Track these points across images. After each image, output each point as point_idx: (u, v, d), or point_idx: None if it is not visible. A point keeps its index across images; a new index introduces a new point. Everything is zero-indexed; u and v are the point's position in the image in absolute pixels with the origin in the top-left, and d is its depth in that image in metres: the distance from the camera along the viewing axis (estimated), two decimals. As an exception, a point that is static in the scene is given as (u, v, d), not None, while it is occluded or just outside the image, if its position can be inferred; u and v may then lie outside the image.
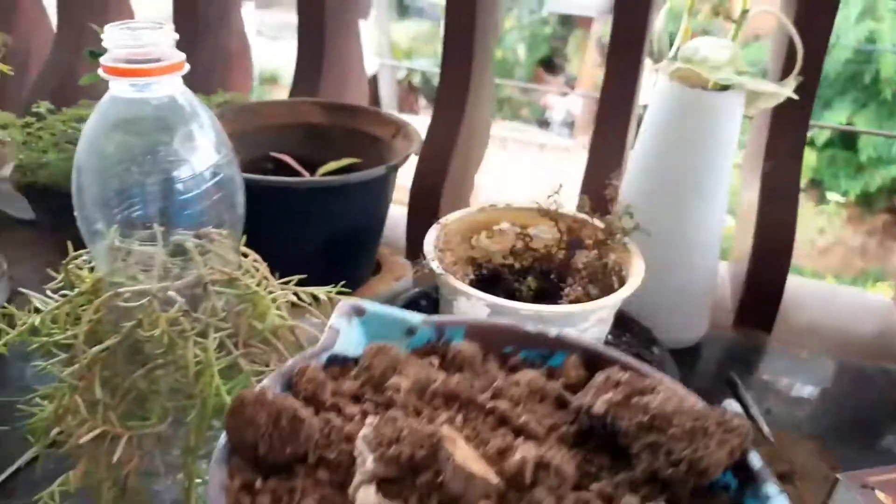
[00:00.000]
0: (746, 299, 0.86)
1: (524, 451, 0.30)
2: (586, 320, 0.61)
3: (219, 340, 0.51)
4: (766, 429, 0.72)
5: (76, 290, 0.52)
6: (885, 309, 0.92)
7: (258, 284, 0.54)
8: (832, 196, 3.75)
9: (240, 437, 0.32)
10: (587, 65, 6.07)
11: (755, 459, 0.33)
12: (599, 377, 0.35)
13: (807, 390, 0.79)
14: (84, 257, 0.56)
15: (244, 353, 0.52)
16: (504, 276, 0.73)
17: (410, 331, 0.40)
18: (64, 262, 0.56)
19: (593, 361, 0.38)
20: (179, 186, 0.51)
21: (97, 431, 0.48)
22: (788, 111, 0.81)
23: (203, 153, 0.51)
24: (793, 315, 0.90)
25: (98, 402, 0.49)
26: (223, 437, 0.33)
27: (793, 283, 0.88)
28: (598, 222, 0.71)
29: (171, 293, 0.51)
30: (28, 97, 1.04)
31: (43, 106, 0.83)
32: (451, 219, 0.70)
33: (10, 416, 0.67)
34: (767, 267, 0.85)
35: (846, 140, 3.59)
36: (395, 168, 0.73)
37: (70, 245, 0.55)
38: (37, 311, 0.52)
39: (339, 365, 0.39)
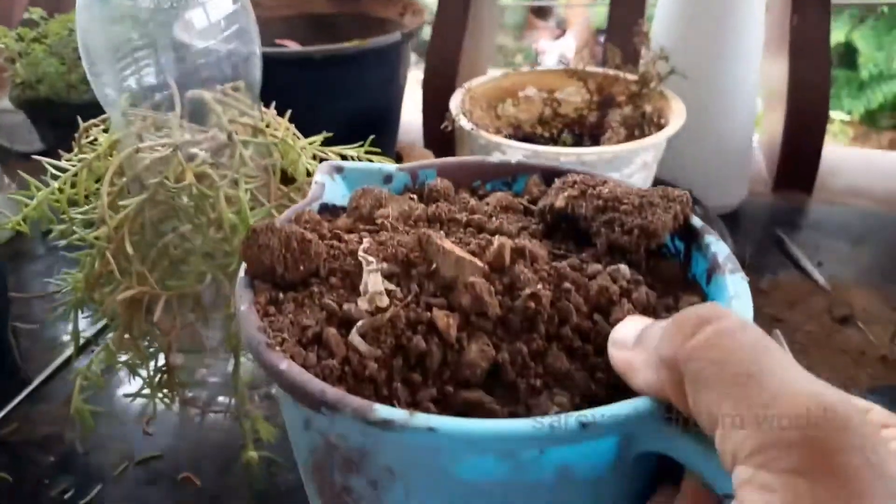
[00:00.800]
0: (785, 161, 0.83)
1: (501, 241, 0.33)
2: (631, 163, 0.58)
3: (250, 193, 0.48)
4: (820, 279, 0.69)
5: (94, 153, 0.49)
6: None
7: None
8: (836, 115, 3.69)
9: (257, 262, 0.34)
10: (576, 5, 5.98)
11: (696, 221, 0.36)
12: (557, 182, 0.39)
13: (854, 242, 0.76)
14: (99, 128, 0.53)
15: (277, 206, 0.49)
16: (535, 142, 0.70)
17: (388, 178, 0.42)
18: (77, 133, 0.53)
19: (552, 178, 0.41)
20: (193, 38, 0.47)
21: (132, 291, 0.45)
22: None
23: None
24: (830, 180, 0.87)
25: (131, 264, 0.46)
26: (242, 269, 0.34)
27: (827, 151, 0.85)
28: (629, 75, 0.68)
29: (195, 148, 0.48)
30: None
31: (35, 12, 0.79)
32: (474, 83, 0.67)
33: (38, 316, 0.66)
34: (804, 125, 0.81)
35: (846, 59, 3.51)
36: (409, 35, 0.69)
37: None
38: (53, 177, 0.49)
39: (329, 212, 0.41)
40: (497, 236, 0.34)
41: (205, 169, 0.47)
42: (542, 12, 5.15)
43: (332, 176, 0.42)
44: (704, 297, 0.34)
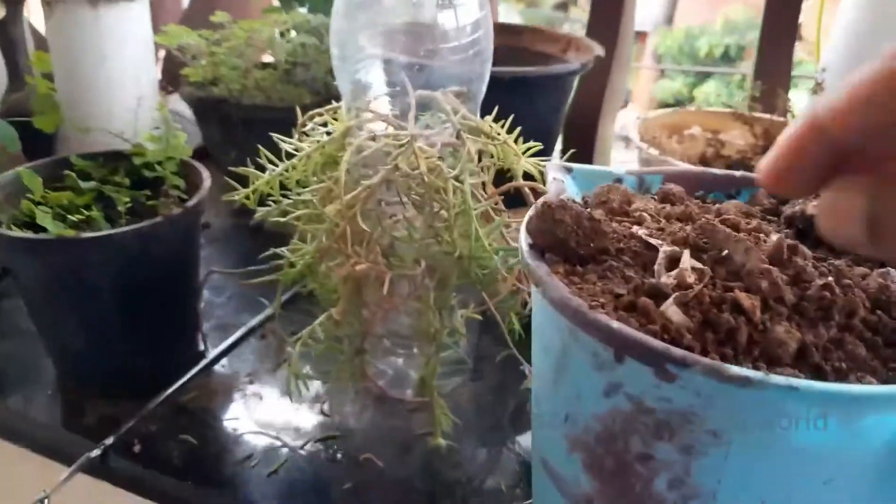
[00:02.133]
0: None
1: (778, 237, 0.34)
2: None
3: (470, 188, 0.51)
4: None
5: (328, 137, 0.52)
6: None
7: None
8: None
9: (549, 235, 0.35)
10: (641, 80, 6.07)
11: None
12: None
13: None
14: (317, 119, 0.56)
15: (491, 203, 0.52)
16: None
17: (618, 180, 0.44)
18: (299, 123, 0.56)
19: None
20: (441, 37, 0.50)
21: (364, 266, 0.48)
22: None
23: (467, 4, 0.51)
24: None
25: (360, 242, 0.49)
26: (524, 242, 0.36)
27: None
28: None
29: (428, 140, 0.50)
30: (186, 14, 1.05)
31: (222, 16, 0.84)
32: (649, 116, 0.69)
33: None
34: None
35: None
36: (584, 67, 0.72)
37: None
38: (287, 157, 0.52)
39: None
40: (771, 234, 0.36)
41: (436, 162, 0.50)
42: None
43: (563, 175, 0.45)
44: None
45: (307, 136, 0.56)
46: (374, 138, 0.50)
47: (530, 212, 0.40)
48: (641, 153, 0.64)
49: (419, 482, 0.52)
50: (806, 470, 0.29)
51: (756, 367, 0.30)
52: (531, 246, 0.36)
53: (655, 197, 0.43)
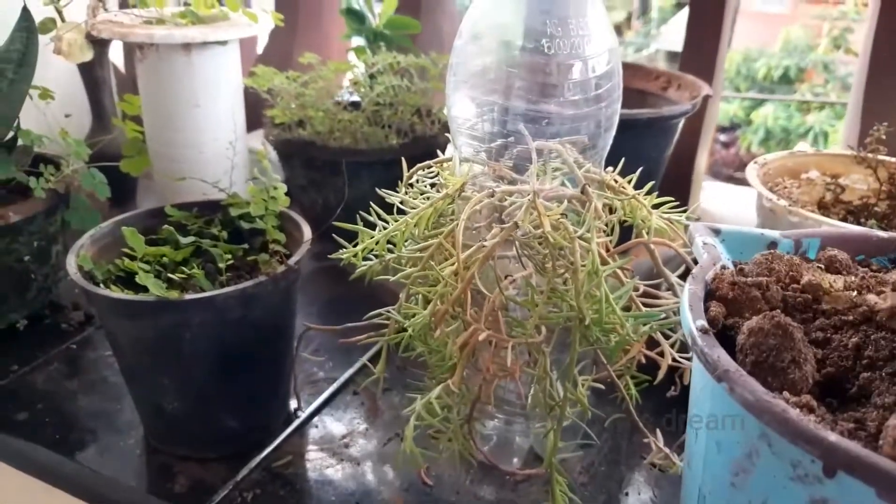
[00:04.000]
0: None
1: None
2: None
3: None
4: None
5: (441, 193, 0.49)
6: None
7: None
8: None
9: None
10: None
11: None
12: None
13: None
14: (421, 173, 0.53)
15: (622, 264, 0.48)
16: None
17: (772, 244, 0.41)
18: (405, 176, 0.53)
19: None
20: (567, 87, 0.47)
21: (485, 335, 0.44)
22: None
23: (597, 55, 0.47)
24: None
25: (472, 306, 0.45)
26: (692, 324, 0.32)
27: None
28: (933, 167, 0.64)
29: (549, 196, 0.47)
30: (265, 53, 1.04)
31: (310, 58, 0.83)
32: (768, 158, 0.65)
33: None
34: None
35: None
36: (695, 107, 0.68)
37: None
38: (392, 209, 0.49)
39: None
40: None
41: (560, 219, 0.46)
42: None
43: (713, 239, 0.41)
44: None
45: (412, 188, 0.54)
46: (492, 194, 0.47)
47: (688, 286, 0.36)
48: (763, 201, 0.59)
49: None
50: None
51: None
52: (703, 331, 0.32)
53: (821, 266, 0.39)
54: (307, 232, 0.56)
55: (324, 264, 0.80)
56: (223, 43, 0.72)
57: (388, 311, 0.50)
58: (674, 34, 4.95)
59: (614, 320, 0.46)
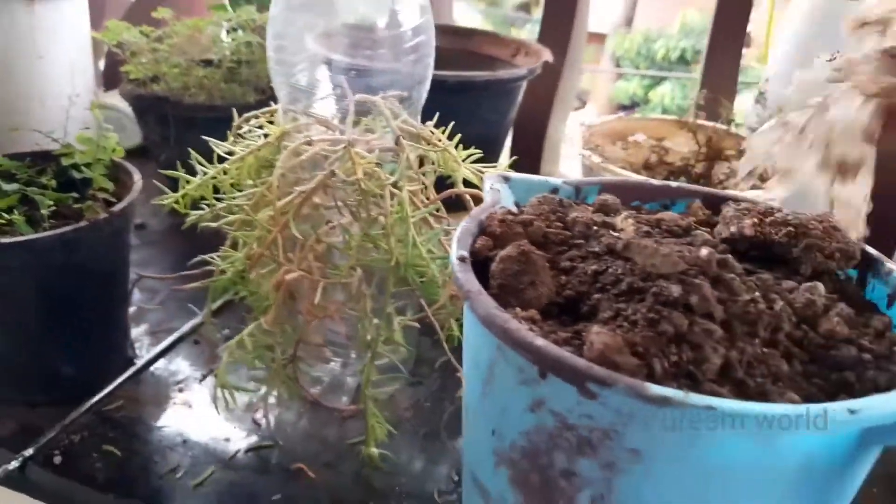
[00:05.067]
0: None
1: (709, 249, 0.34)
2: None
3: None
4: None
5: (263, 140, 0.50)
6: None
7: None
8: None
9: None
10: (600, 78, 6.13)
11: (871, 249, 0.39)
12: (728, 209, 0.41)
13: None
14: (253, 121, 0.55)
15: (430, 210, 0.51)
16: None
17: (554, 190, 0.45)
18: (234, 125, 0.55)
19: (711, 203, 0.44)
20: (381, 40, 0.49)
21: (296, 274, 0.46)
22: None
23: (408, 9, 0.50)
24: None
25: (289, 246, 0.47)
26: (454, 255, 0.35)
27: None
28: (742, 132, 0.70)
29: (367, 145, 0.49)
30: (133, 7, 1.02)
31: (164, 12, 0.82)
32: (595, 122, 0.69)
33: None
34: None
35: None
36: (532, 72, 0.72)
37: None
38: (220, 160, 0.51)
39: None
40: (705, 248, 0.36)
41: (373, 167, 0.48)
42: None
43: (501, 184, 0.45)
44: (890, 320, 0.35)
45: (243, 138, 0.55)
46: (310, 142, 0.49)
47: (463, 223, 0.39)
48: (584, 160, 0.64)
49: (351, 492, 0.51)
50: (724, 488, 0.29)
51: (680, 385, 0.30)
52: (461, 259, 0.35)
53: (589, 207, 0.43)
54: (137, 180, 0.57)
55: (181, 222, 0.80)
56: (66, -8, 0.71)
57: (210, 257, 0.52)
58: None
59: (422, 262, 0.49)
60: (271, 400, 0.57)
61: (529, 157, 0.92)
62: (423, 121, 0.55)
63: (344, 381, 0.60)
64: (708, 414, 0.26)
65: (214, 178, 0.51)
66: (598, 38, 6.02)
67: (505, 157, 0.93)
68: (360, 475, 0.53)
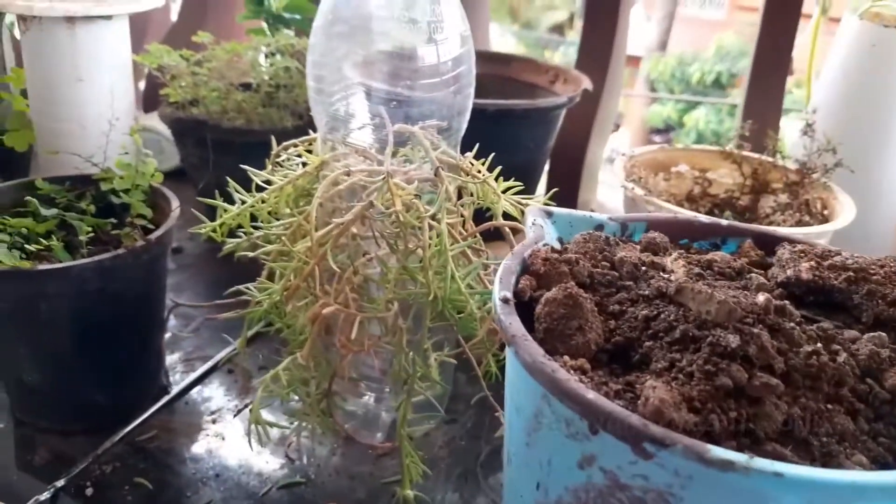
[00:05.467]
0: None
1: (766, 296, 0.33)
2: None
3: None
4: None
5: (301, 170, 0.50)
6: None
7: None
8: None
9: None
10: (634, 102, 6.10)
11: None
12: (783, 251, 0.39)
13: None
14: (291, 149, 0.54)
15: (469, 244, 0.49)
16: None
17: (599, 227, 0.43)
18: (272, 153, 0.54)
19: (764, 243, 0.42)
20: (422, 71, 0.48)
21: (333, 308, 0.45)
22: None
23: (449, 39, 0.49)
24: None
25: (330, 280, 0.47)
26: (497, 296, 0.34)
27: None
28: (789, 164, 0.68)
29: (405, 176, 0.48)
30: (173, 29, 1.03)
31: (204, 36, 0.82)
32: (636, 152, 0.68)
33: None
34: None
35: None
36: (572, 100, 0.71)
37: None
38: (258, 189, 0.50)
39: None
40: (762, 293, 0.35)
41: (412, 199, 0.47)
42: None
43: (544, 219, 0.43)
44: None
45: (281, 166, 0.54)
46: (348, 173, 0.48)
47: (505, 261, 0.38)
48: (626, 192, 0.62)
49: (386, 533, 0.50)
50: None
51: (740, 444, 0.28)
52: (504, 301, 0.34)
53: (637, 247, 0.42)
54: (175, 207, 0.56)
55: (218, 247, 0.80)
56: (108, 17, 0.71)
57: (247, 288, 0.51)
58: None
59: (460, 297, 0.48)
60: (304, 434, 0.56)
61: (567, 184, 0.90)
62: (462, 150, 0.54)
63: (378, 417, 0.58)
64: (775, 481, 0.24)
65: (252, 206, 0.50)
66: (633, 60, 6.00)
67: (542, 184, 0.92)
68: (393, 515, 0.51)
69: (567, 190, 0.84)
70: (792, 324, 0.33)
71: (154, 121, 0.95)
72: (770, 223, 0.65)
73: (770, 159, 0.69)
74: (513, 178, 0.69)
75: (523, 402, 0.33)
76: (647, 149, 0.70)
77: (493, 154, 0.54)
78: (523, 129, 0.69)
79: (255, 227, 0.52)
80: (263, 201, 0.49)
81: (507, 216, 0.53)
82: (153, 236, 0.52)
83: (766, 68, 0.88)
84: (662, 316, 0.33)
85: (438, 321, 0.50)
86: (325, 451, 0.56)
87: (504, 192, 0.53)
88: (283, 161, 0.54)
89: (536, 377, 0.29)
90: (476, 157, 0.52)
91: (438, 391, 0.59)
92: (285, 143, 0.54)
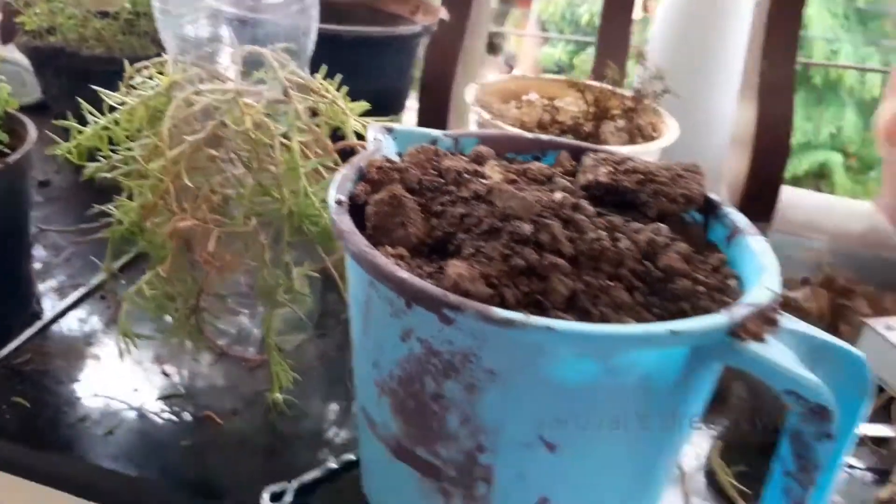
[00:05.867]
0: (749, 191, 0.91)
1: (564, 193, 0.39)
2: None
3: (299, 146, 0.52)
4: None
5: (153, 91, 0.51)
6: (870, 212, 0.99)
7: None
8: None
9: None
10: (526, 43, 6.16)
11: (715, 195, 0.43)
12: (587, 160, 0.45)
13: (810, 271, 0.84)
14: (145, 72, 0.55)
15: (322, 161, 0.53)
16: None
17: (433, 141, 0.47)
18: (125, 76, 0.55)
19: (578, 155, 0.47)
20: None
21: (189, 223, 0.48)
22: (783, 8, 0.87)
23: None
24: (790, 213, 0.96)
25: (185, 196, 0.49)
26: (331, 198, 0.38)
27: (788, 191, 0.94)
28: (625, 91, 0.74)
29: (252, 98, 0.51)
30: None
31: (57, -38, 0.80)
32: (487, 81, 0.72)
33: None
34: (768, 158, 0.90)
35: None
36: (428, 29, 0.74)
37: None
38: (111, 109, 0.51)
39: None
40: (558, 192, 0.40)
41: (262, 118, 0.50)
42: (492, 48, 5.31)
43: (384, 135, 0.47)
44: (725, 256, 0.40)
45: (135, 89, 0.56)
46: (199, 93, 0.50)
47: (342, 170, 0.41)
48: (477, 117, 0.67)
49: (259, 437, 0.53)
50: (573, 405, 0.32)
51: (531, 312, 0.34)
52: (338, 202, 0.38)
53: (464, 158, 0.46)
54: (32, 132, 0.57)
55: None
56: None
57: (108, 208, 0.53)
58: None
59: (315, 212, 0.52)
60: (180, 352, 0.59)
61: (436, 117, 0.94)
62: (326, 77, 0.57)
63: (251, 333, 0.62)
64: (548, 335, 0.30)
65: (107, 128, 0.52)
66: (525, 1, 6.02)
67: (411, 116, 0.95)
68: (266, 421, 0.55)
69: (436, 124, 0.88)
70: (583, 216, 0.38)
71: (13, 52, 0.92)
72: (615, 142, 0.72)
73: (609, 87, 0.75)
74: (375, 104, 0.73)
75: (357, 292, 0.37)
76: (499, 78, 0.75)
77: (353, 81, 0.58)
78: (383, 56, 0.72)
79: (115, 152, 0.53)
80: (117, 123, 0.51)
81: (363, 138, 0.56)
82: (10, 159, 0.53)
83: (614, 7, 0.93)
84: (475, 213, 0.38)
85: (298, 237, 0.53)
86: (201, 368, 0.59)
87: (362, 115, 0.56)
88: (137, 84, 0.55)
89: (362, 265, 0.34)
90: (339, 87, 0.55)
91: (309, 306, 0.63)
92: (137, 65, 0.55)
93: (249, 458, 0.51)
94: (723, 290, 0.37)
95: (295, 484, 0.47)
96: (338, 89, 0.54)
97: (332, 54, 0.70)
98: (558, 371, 0.31)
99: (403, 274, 0.32)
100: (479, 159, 0.45)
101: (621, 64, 0.79)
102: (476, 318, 0.30)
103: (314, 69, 0.57)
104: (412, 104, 0.98)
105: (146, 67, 0.55)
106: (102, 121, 0.51)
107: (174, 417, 0.54)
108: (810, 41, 3.62)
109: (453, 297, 0.30)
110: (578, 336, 0.30)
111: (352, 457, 0.50)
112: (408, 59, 0.77)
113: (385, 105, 0.78)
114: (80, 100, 0.50)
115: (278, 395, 0.54)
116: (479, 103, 0.69)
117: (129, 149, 0.50)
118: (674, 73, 0.75)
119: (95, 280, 0.67)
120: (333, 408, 0.57)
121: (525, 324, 0.29)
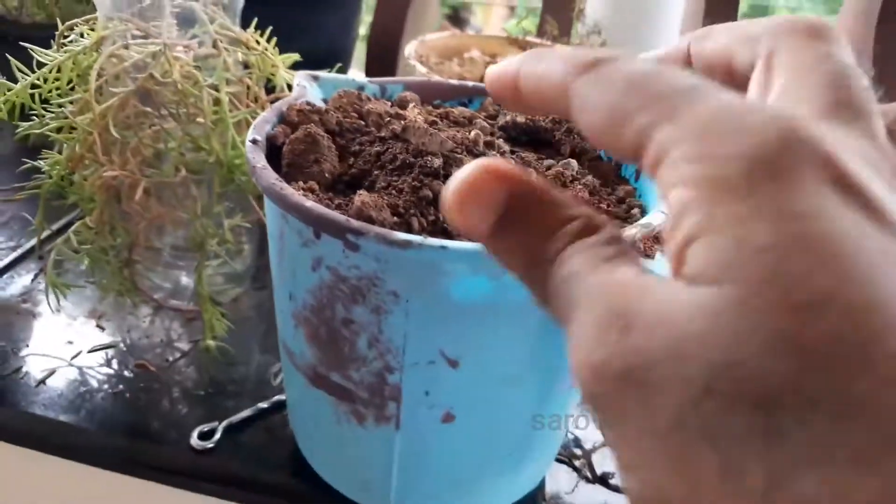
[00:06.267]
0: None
1: (477, 131, 0.40)
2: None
3: (229, 97, 0.52)
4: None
5: (80, 46, 0.51)
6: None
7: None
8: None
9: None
10: (493, 16, 6.15)
11: None
12: None
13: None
14: (77, 30, 0.55)
15: (252, 111, 0.53)
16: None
17: (360, 87, 0.48)
18: (57, 34, 0.55)
19: None
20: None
21: (115, 173, 0.48)
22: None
23: None
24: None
25: (113, 149, 0.49)
26: (248, 138, 0.39)
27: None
28: (565, 47, 0.75)
29: (181, 51, 0.51)
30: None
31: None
32: (427, 37, 0.73)
33: None
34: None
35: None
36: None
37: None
38: (39, 65, 0.51)
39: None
40: (474, 130, 0.41)
41: (191, 70, 0.51)
42: (457, 20, 5.29)
43: (309, 82, 0.48)
44: (634, 189, 0.41)
45: (67, 46, 0.55)
46: (126, 46, 0.51)
47: (263, 114, 0.42)
48: (415, 70, 0.68)
49: (193, 383, 0.54)
50: (471, 322, 0.34)
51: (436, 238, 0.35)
52: (253, 142, 0.39)
53: (388, 102, 0.47)
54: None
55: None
56: None
57: (35, 163, 0.53)
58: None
59: (243, 162, 0.52)
60: (117, 307, 0.60)
61: (385, 73, 0.95)
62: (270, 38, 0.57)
63: (189, 286, 0.62)
64: (443, 253, 0.31)
65: (36, 85, 0.52)
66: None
67: (357, 74, 0.96)
68: (201, 368, 0.56)
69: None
70: (495, 153, 0.39)
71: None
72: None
73: (549, 43, 0.76)
74: (318, 64, 0.73)
75: (272, 227, 0.38)
76: (439, 35, 0.75)
77: (295, 40, 0.58)
78: (321, 15, 0.72)
79: (46, 110, 0.53)
80: (46, 80, 0.51)
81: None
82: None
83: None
84: (390, 151, 0.39)
85: (229, 187, 0.54)
86: (136, 320, 0.60)
87: (291, 67, 0.57)
88: (68, 42, 0.55)
89: (272, 198, 0.35)
90: (269, 39, 0.55)
91: (245, 260, 0.64)
92: (68, 23, 0.55)
93: (183, 403, 0.52)
94: (626, 219, 0.39)
95: (224, 423, 0.48)
96: (268, 41, 0.54)
97: (273, 12, 0.70)
98: (455, 289, 0.32)
99: (309, 203, 0.33)
100: (403, 104, 0.46)
101: (567, 21, 0.80)
102: (377, 241, 0.31)
103: (247, 26, 0.58)
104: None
105: (76, 25, 0.54)
106: (31, 77, 0.51)
107: (108, 368, 0.55)
108: (772, 10, 3.66)
109: (356, 223, 0.32)
110: (471, 254, 0.31)
111: (283, 397, 0.51)
112: (348, 18, 0.77)
113: (327, 62, 0.78)
114: (9, 57, 0.50)
115: (211, 343, 0.55)
116: (418, 58, 0.70)
117: (60, 105, 0.50)
118: (612, 28, 0.77)
119: (32, 241, 0.67)
120: (268, 356, 0.58)
121: (422, 244, 0.31)
